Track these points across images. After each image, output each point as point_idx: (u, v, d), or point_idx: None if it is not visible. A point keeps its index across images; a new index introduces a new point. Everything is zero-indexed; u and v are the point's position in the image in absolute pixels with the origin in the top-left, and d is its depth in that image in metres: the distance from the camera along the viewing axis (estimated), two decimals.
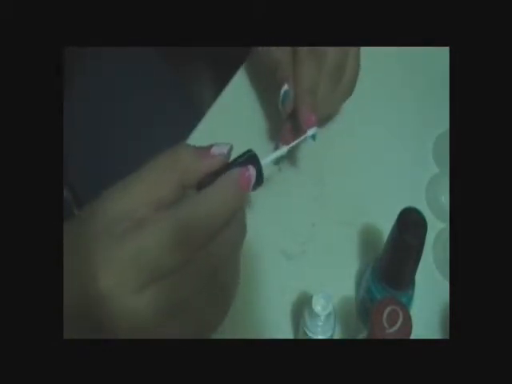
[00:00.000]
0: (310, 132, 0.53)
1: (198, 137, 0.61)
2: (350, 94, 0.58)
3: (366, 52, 0.57)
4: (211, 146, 0.39)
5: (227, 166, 0.39)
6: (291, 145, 0.50)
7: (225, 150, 0.39)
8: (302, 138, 0.52)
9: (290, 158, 0.61)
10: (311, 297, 0.48)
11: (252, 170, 0.39)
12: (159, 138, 0.63)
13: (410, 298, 0.51)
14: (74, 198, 0.74)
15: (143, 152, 0.39)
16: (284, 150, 0.47)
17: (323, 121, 0.60)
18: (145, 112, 0.73)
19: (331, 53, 0.54)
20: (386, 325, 0.42)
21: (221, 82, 0.65)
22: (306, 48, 0.54)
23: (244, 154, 0.41)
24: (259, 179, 0.40)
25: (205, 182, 0.38)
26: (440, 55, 0.55)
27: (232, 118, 0.63)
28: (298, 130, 0.55)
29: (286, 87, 0.54)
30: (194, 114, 0.63)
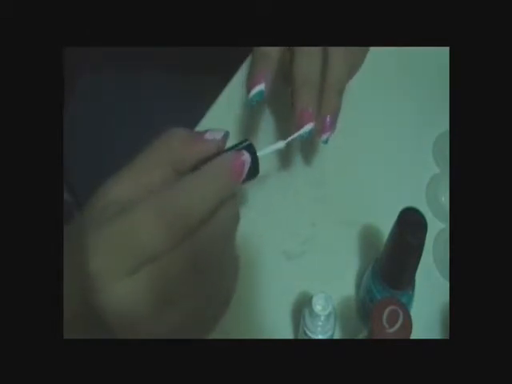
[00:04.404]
0: (306, 128, 0.50)
1: None
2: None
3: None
4: (206, 132, 0.38)
5: (221, 153, 0.38)
6: (288, 139, 0.47)
7: (218, 135, 0.38)
8: (297, 134, 0.49)
9: (290, 157, 0.61)
10: (311, 297, 0.48)
11: (247, 156, 0.38)
12: None
13: (410, 298, 0.51)
14: (74, 198, 0.74)
15: None
16: (281, 144, 0.44)
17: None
18: (145, 112, 0.73)
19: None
20: (386, 325, 0.42)
21: (221, 81, 0.65)
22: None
23: (240, 142, 0.39)
24: (254, 171, 0.39)
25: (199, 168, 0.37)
26: (440, 55, 0.55)
27: (232, 118, 0.63)
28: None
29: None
30: (195, 114, 0.63)
